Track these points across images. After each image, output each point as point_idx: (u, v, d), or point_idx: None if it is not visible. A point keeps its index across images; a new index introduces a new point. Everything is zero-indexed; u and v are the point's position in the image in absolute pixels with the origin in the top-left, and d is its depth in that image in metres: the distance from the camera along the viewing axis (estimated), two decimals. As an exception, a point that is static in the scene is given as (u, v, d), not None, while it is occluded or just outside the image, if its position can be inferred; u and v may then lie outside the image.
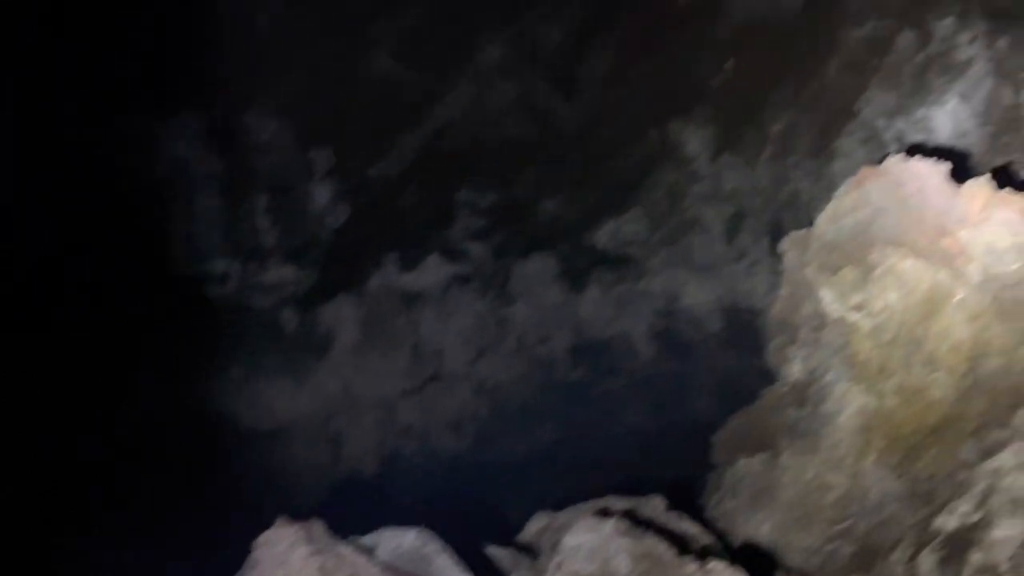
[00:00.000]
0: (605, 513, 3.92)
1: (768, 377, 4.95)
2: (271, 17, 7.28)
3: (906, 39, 7.24)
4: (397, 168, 7.11)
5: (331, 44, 6.74)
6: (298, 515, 3.22)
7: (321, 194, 7.72)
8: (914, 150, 7.16)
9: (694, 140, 7.40)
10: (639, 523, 3.77)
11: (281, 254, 7.79)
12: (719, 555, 3.86)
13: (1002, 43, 7.26)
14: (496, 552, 4.02)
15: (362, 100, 6.99)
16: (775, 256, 5.33)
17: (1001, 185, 4.93)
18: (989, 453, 3.68)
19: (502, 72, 6.64)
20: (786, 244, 5.19)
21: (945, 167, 4.98)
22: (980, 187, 4.70)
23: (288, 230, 7.79)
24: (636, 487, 4.31)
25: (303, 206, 7.75)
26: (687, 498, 4.59)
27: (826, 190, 6.29)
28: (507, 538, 4.13)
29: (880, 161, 6.04)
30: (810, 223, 5.12)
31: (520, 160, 7.17)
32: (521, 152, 7.11)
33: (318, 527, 3.33)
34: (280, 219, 7.77)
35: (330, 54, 6.91)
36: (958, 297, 4.25)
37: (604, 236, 7.57)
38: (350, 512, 3.48)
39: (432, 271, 7.57)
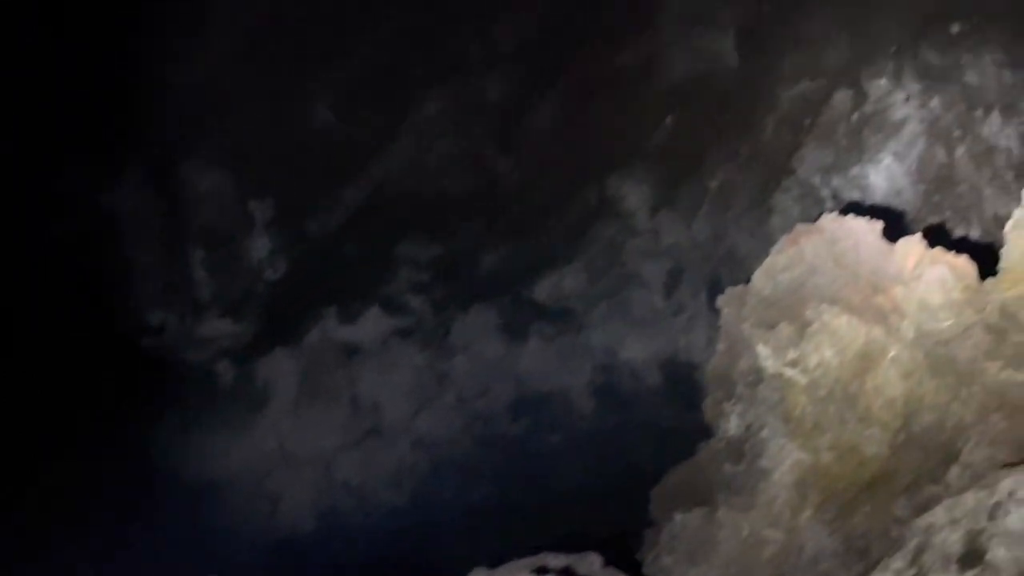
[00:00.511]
0: (542, 570, 3.89)
1: (706, 432, 4.95)
2: (212, 70, 7.25)
3: (841, 98, 7.36)
4: (337, 221, 7.09)
5: (272, 97, 6.73)
6: (233, 573, 3.16)
7: (260, 247, 7.67)
8: (850, 207, 7.28)
9: (633, 195, 7.45)
10: (576, 580, 3.75)
11: (218, 307, 7.71)
12: (656, 612, 3.84)
13: (935, 103, 7.41)
14: (433, 609, 3.98)
15: (302, 153, 6.98)
16: (713, 310, 5.36)
17: (934, 243, 4.99)
18: (922, 509, 3.69)
19: (442, 127, 6.66)
20: (723, 300, 5.21)
21: (879, 225, 5.04)
22: (913, 245, 4.76)
23: (226, 283, 7.72)
24: (574, 543, 4.28)
25: (241, 259, 7.68)
26: (625, 554, 4.56)
27: (763, 245, 6.35)
28: (445, 595, 4.09)
29: (816, 218, 6.12)
30: (747, 278, 5.16)
31: (460, 214, 7.18)
32: (461, 206, 7.12)
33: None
34: (218, 271, 7.70)
35: (271, 107, 6.89)
36: (892, 354, 4.29)
37: (544, 290, 7.58)
38: (286, 569, 3.43)
39: (372, 324, 7.53)
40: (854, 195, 7.56)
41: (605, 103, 7.03)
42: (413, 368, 7.63)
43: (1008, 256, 4.56)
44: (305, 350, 7.59)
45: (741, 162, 7.51)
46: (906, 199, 7.57)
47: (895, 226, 6.89)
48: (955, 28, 7.30)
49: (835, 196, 7.57)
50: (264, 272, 7.68)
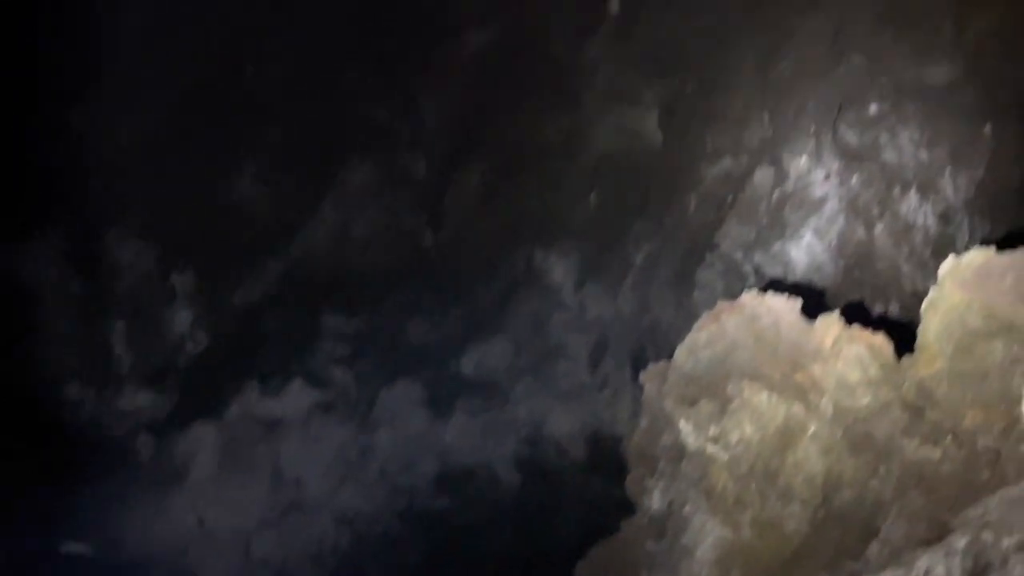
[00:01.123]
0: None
1: (630, 507, 4.94)
2: (134, 140, 7.20)
3: (763, 176, 7.47)
4: (260, 293, 7.03)
5: (195, 168, 6.69)
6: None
7: (181, 319, 7.56)
8: (772, 283, 7.39)
9: (558, 268, 7.49)
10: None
11: (138, 380, 7.57)
12: None
13: (854, 181, 7.56)
14: None
15: (225, 224, 6.93)
16: (638, 384, 5.37)
17: (853, 320, 5.06)
18: (842, 586, 3.70)
19: (367, 199, 6.65)
20: (646, 376, 5.23)
21: (798, 303, 5.10)
22: (832, 323, 4.82)
23: (146, 355, 7.59)
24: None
25: (162, 331, 7.57)
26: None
27: (687, 320, 6.40)
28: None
29: (738, 293, 6.18)
30: (671, 352, 5.18)
31: (385, 286, 7.16)
32: (386, 278, 7.10)
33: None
34: (138, 344, 7.57)
35: (194, 178, 6.85)
36: (812, 430, 4.32)
37: (469, 363, 7.56)
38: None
39: (294, 397, 7.44)
40: (776, 271, 7.65)
41: (531, 177, 7.08)
42: (336, 442, 7.54)
43: (924, 334, 4.63)
44: (225, 423, 7.48)
45: (665, 237, 7.58)
46: (827, 275, 7.68)
47: (815, 302, 7.00)
48: (873, 108, 7.46)
49: (757, 271, 7.65)
50: (185, 344, 7.57)
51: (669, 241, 7.58)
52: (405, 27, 6.19)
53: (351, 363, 7.37)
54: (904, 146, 7.62)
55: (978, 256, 4.95)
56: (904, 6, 7.03)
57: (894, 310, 7.35)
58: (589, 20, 6.73)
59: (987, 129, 7.55)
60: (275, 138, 6.39)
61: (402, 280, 7.13)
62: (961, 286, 4.79)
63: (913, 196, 7.75)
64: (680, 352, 5.17)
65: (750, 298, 5.29)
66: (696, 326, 5.28)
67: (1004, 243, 6.57)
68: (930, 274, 5.68)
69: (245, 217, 6.85)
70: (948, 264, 5.00)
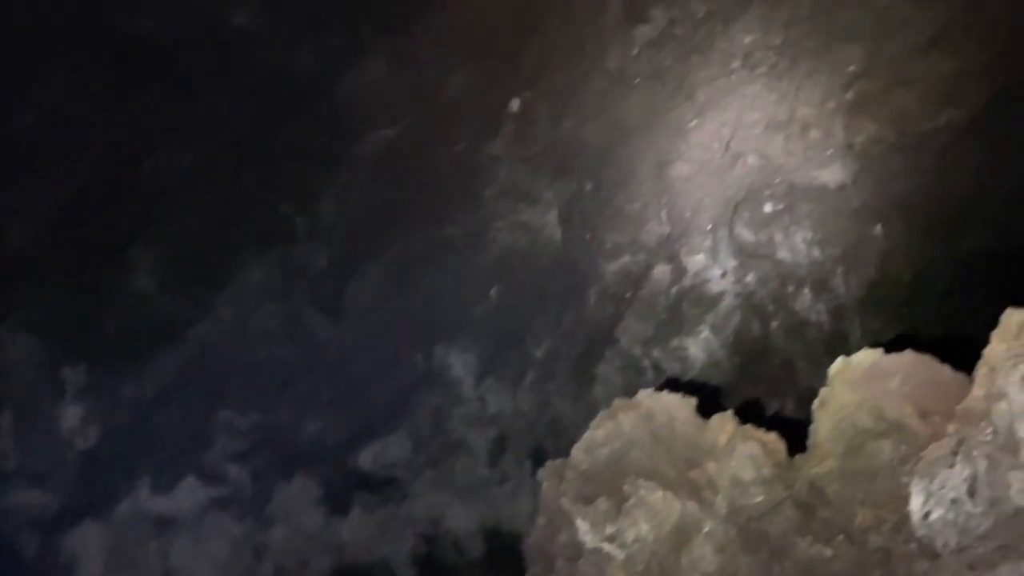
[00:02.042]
0: None
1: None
2: (27, 231, 7.08)
3: (661, 272, 7.56)
4: (154, 388, 6.91)
5: (89, 262, 6.60)
6: None
7: (71, 414, 7.38)
8: (669, 379, 7.45)
9: (458, 363, 7.47)
10: None
11: (25, 477, 7.36)
12: None
13: (750, 278, 7.68)
14: None
15: (119, 319, 6.82)
16: (537, 480, 5.36)
17: (749, 417, 5.11)
18: None
19: (265, 294, 6.60)
20: (543, 474, 5.23)
21: (693, 401, 5.14)
22: (726, 421, 4.86)
23: (34, 452, 7.39)
24: None
25: (52, 427, 7.38)
26: None
27: (586, 415, 6.41)
28: None
29: (638, 388, 6.22)
30: (571, 448, 5.19)
31: (282, 381, 7.08)
32: (284, 373, 7.03)
33: None
34: (26, 440, 7.37)
35: (88, 271, 6.75)
36: (706, 529, 4.35)
37: (367, 458, 7.47)
38: None
39: (187, 495, 7.28)
40: (674, 367, 7.72)
41: (431, 273, 7.09)
42: (229, 540, 7.37)
43: (816, 433, 4.69)
44: (115, 522, 7.27)
45: (565, 333, 7.62)
46: (724, 371, 7.76)
47: (712, 399, 7.08)
48: (767, 208, 7.61)
49: (656, 367, 7.71)
50: (75, 440, 7.38)
51: (569, 337, 7.62)
52: (307, 124, 6.20)
53: (246, 459, 7.25)
54: (797, 245, 7.78)
55: (867, 357, 5.05)
56: (797, 112, 7.22)
57: (789, 407, 7.44)
58: (490, 120, 6.80)
59: (877, 229, 7.74)
60: (172, 232, 6.33)
61: (300, 374, 7.06)
62: (851, 386, 4.88)
63: (807, 294, 7.90)
64: (577, 450, 5.18)
65: (646, 396, 5.33)
66: (593, 424, 5.30)
67: (895, 342, 6.73)
68: (824, 371, 5.78)
69: (140, 311, 6.75)
70: (838, 364, 5.09)
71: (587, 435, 5.25)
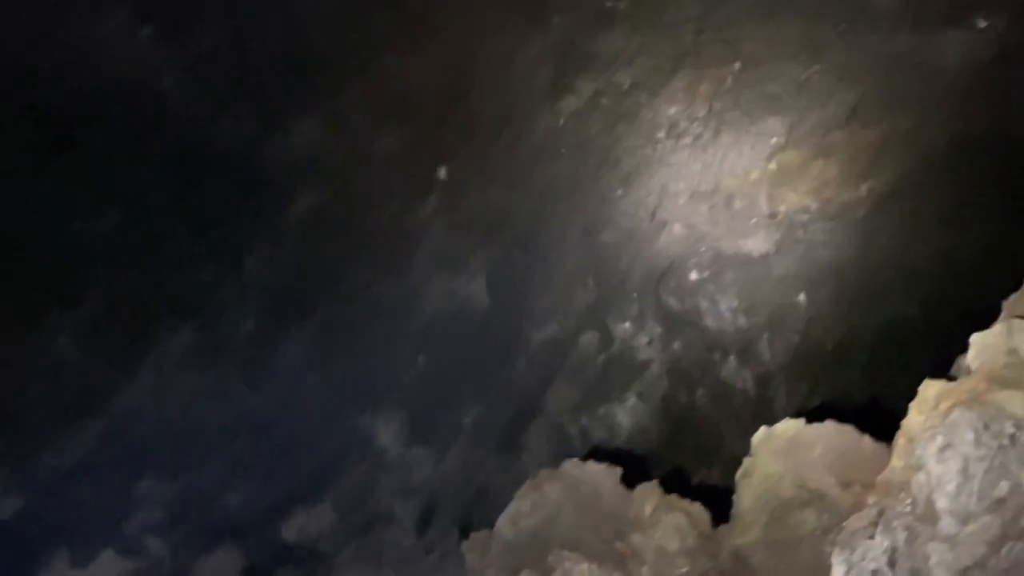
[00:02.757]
0: None
1: None
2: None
3: (588, 340, 7.60)
4: (73, 457, 6.75)
5: (10, 328, 6.47)
6: None
7: (-13, 485, 7.21)
8: (597, 447, 7.46)
9: (385, 431, 7.41)
10: None
11: (-64, 549, 7.14)
12: None
13: (676, 346, 7.74)
14: None
15: (38, 387, 6.68)
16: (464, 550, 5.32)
17: (676, 485, 5.13)
18: None
19: (189, 360, 6.51)
20: (468, 546, 5.20)
21: (618, 471, 5.16)
22: (651, 491, 4.88)
23: (-53, 524, 7.18)
24: None
25: (-34, 498, 7.19)
26: None
27: (513, 484, 6.40)
28: None
29: (566, 455, 6.23)
30: (498, 517, 5.16)
31: (206, 450, 6.97)
32: (207, 441, 6.92)
33: None
34: (-63, 511, 7.16)
35: (8, 338, 6.61)
36: (630, 602, 4.33)
37: (292, 529, 7.36)
38: None
39: (105, 568, 7.08)
40: (602, 434, 7.74)
41: (358, 340, 7.05)
42: (147, 614, 7.20)
43: (739, 503, 4.72)
44: (29, 596, 7.08)
45: (493, 400, 7.61)
46: (651, 439, 7.80)
47: (639, 467, 7.09)
48: (693, 275, 7.70)
49: (583, 434, 7.73)
50: (-10, 512, 7.20)
51: (497, 404, 7.61)
52: (233, 188, 6.17)
53: (167, 530, 7.10)
54: (723, 313, 7.87)
55: (790, 427, 5.10)
56: (721, 181, 7.33)
57: (715, 475, 7.48)
58: (418, 186, 6.83)
59: (801, 297, 7.87)
60: (94, 298, 6.23)
61: (223, 443, 6.96)
62: (774, 456, 4.92)
63: (733, 361, 7.99)
64: (502, 521, 5.16)
65: (571, 466, 5.34)
66: (518, 494, 5.29)
67: (818, 410, 6.82)
68: (750, 438, 5.83)
69: (60, 378, 6.62)
70: (761, 434, 5.13)
71: (512, 506, 5.24)
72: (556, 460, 7.14)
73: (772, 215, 7.48)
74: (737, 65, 6.60)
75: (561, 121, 6.70)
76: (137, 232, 6.12)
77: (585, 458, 6.31)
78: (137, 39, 5.30)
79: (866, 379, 8.13)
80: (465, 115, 6.60)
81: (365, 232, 6.85)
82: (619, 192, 7.24)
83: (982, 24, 6.19)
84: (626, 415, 7.90)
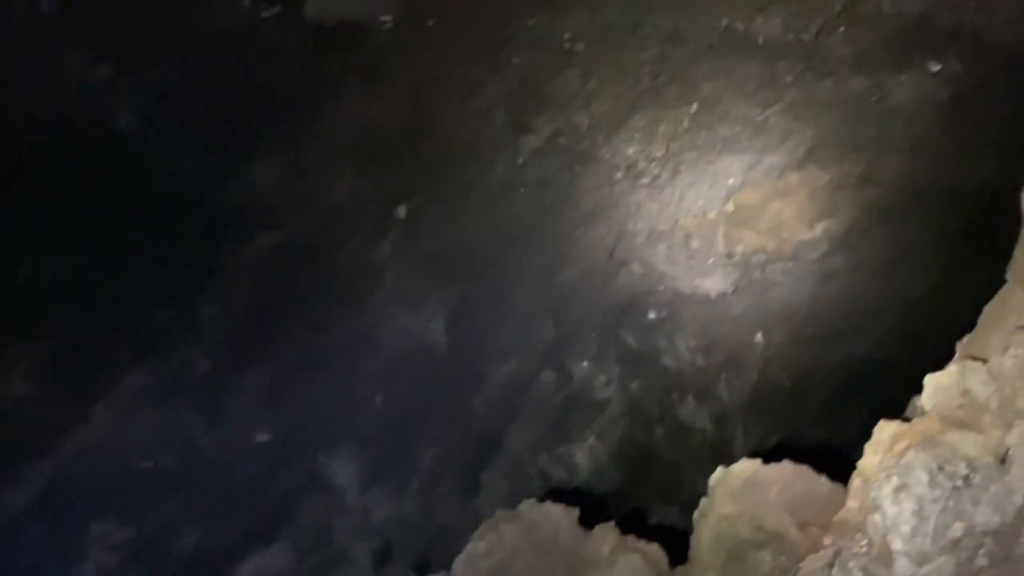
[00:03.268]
0: None
1: None
2: None
3: (547, 379, 7.59)
4: (23, 499, 6.65)
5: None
6: None
7: (-64, 527, 7.08)
8: (555, 487, 7.44)
9: (343, 472, 7.36)
10: None
11: None
12: None
13: (635, 386, 7.75)
14: None
15: (-8, 426, 6.61)
16: (422, 592, 5.29)
17: (634, 524, 5.13)
18: None
19: (143, 400, 6.45)
20: (424, 589, 5.16)
21: (575, 512, 5.14)
22: (608, 532, 4.87)
23: None
24: None
25: (-89, 541, 7.06)
26: None
27: (472, 523, 6.36)
28: None
29: (524, 495, 6.21)
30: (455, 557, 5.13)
31: (160, 491, 6.88)
32: (162, 482, 6.84)
33: None
34: None
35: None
36: (588, 645, 4.31)
37: (248, 571, 7.27)
38: None
39: (55, 614, 6.99)
40: (560, 474, 7.72)
41: (315, 379, 7.01)
42: (98, 660, 7.08)
43: (696, 544, 4.72)
44: (-23, 641, 6.94)
45: (451, 439, 7.58)
46: (609, 479, 7.79)
47: (598, 507, 7.07)
48: (651, 315, 7.73)
49: (542, 474, 7.71)
50: (-63, 556, 7.07)
51: (455, 444, 7.59)
52: (190, 229, 6.13)
53: (118, 574, 7.00)
54: (682, 352, 7.90)
55: (746, 467, 5.11)
56: (679, 221, 7.38)
57: (674, 514, 7.48)
58: (377, 225, 6.82)
59: (758, 337, 7.91)
60: (49, 336, 6.17)
61: (178, 484, 6.88)
62: (731, 496, 4.92)
63: (691, 400, 8.01)
64: (459, 563, 5.14)
65: (529, 507, 5.32)
66: (475, 535, 5.27)
67: (776, 449, 6.84)
68: (708, 478, 5.83)
69: (11, 419, 6.54)
70: (718, 475, 5.14)
71: (469, 547, 5.21)
72: (514, 500, 7.11)
73: (730, 255, 7.53)
74: (695, 106, 6.65)
75: (520, 160, 6.72)
76: (93, 270, 6.07)
77: (543, 498, 6.29)
78: (94, 77, 5.27)
79: (823, 419, 8.18)
80: (424, 154, 6.61)
81: (323, 272, 6.82)
82: (578, 231, 7.26)
83: (935, 68, 6.27)
84: (585, 455, 7.89)
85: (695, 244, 7.44)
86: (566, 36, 6.14)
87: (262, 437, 6.98)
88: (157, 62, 5.55)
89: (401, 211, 6.85)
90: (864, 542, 4.28)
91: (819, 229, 7.46)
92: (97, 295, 6.11)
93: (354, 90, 6.17)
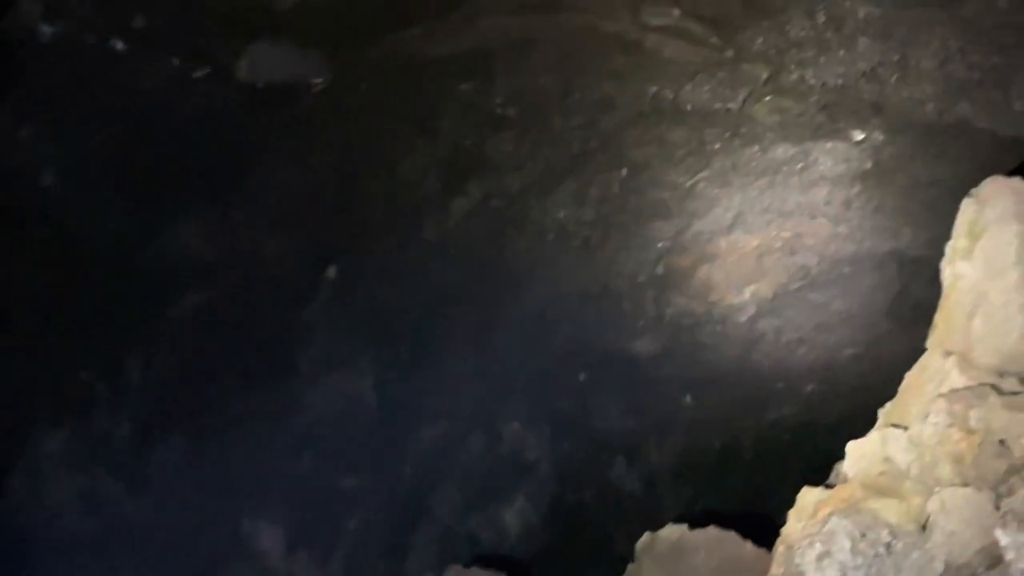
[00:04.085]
0: None
1: None
2: None
3: (477, 440, 7.57)
4: (-63, 565, 6.48)
5: None
6: None
7: None
8: (485, 549, 7.38)
9: (267, 535, 7.25)
10: None
11: None
12: None
13: (564, 447, 7.75)
14: None
15: (-99, 490, 6.42)
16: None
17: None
18: None
19: (61, 465, 6.31)
20: (345, 658, 5.08)
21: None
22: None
23: None
24: None
25: None
26: None
27: (400, 588, 6.30)
28: None
29: (452, 558, 6.16)
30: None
31: (80, 557, 6.72)
32: (81, 548, 6.67)
33: None
34: None
35: None
36: None
37: (170, 636, 7.12)
38: None
39: None
40: (489, 536, 7.68)
41: (240, 441, 6.91)
42: None
43: (622, 611, 4.68)
44: None
45: (378, 502, 7.51)
46: (538, 540, 7.75)
47: (525, 570, 7.03)
48: (582, 376, 7.74)
49: (471, 537, 7.66)
50: None
51: (382, 506, 7.51)
52: (113, 288, 6.05)
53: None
54: (611, 413, 7.91)
55: (672, 532, 5.11)
56: (609, 284, 7.42)
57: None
58: (306, 286, 6.78)
59: (687, 399, 7.95)
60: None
61: (97, 550, 6.72)
62: (657, 561, 4.91)
63: (621, 461, 8.02)
64: (383, 631, 5.05)
65: (455, 572, 5.27)
66: (400, 604, 5.19)
67: (704, 513, 6.85)
68: (637, 540, 5.82)
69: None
70: (645, 539, 5.13)
71: (394, 615, 5.13)
72: (443, 563, 7.06)
73: (659, 318, 7.58)
74: (624, 171, 6.71)
75: (451, 223, 6.74)
76: (14, 329, 5.96)
77: (473, 561, 6.25)
78: (16, 137, 5.21)
79: (749, 483, 8.22)
80: (354, 216, 6.60)
81: (250, 333, 6.76)
82: (508, 293, 7.27)
83: (859, 137, 6.39)
84: (514, 516, 7.85)
85: (625, 307, 7.48)
86: (497, 101, 6.19)
87: (184, 500, 6.85)
88: (85, 122, 5.50)
89: (331, 272, 6.83)
90: (788, 611, 4.28)
91: (747, 293, 7.54)
92: (17, 354, 5.99)
93: (285, 151, 6.15)
